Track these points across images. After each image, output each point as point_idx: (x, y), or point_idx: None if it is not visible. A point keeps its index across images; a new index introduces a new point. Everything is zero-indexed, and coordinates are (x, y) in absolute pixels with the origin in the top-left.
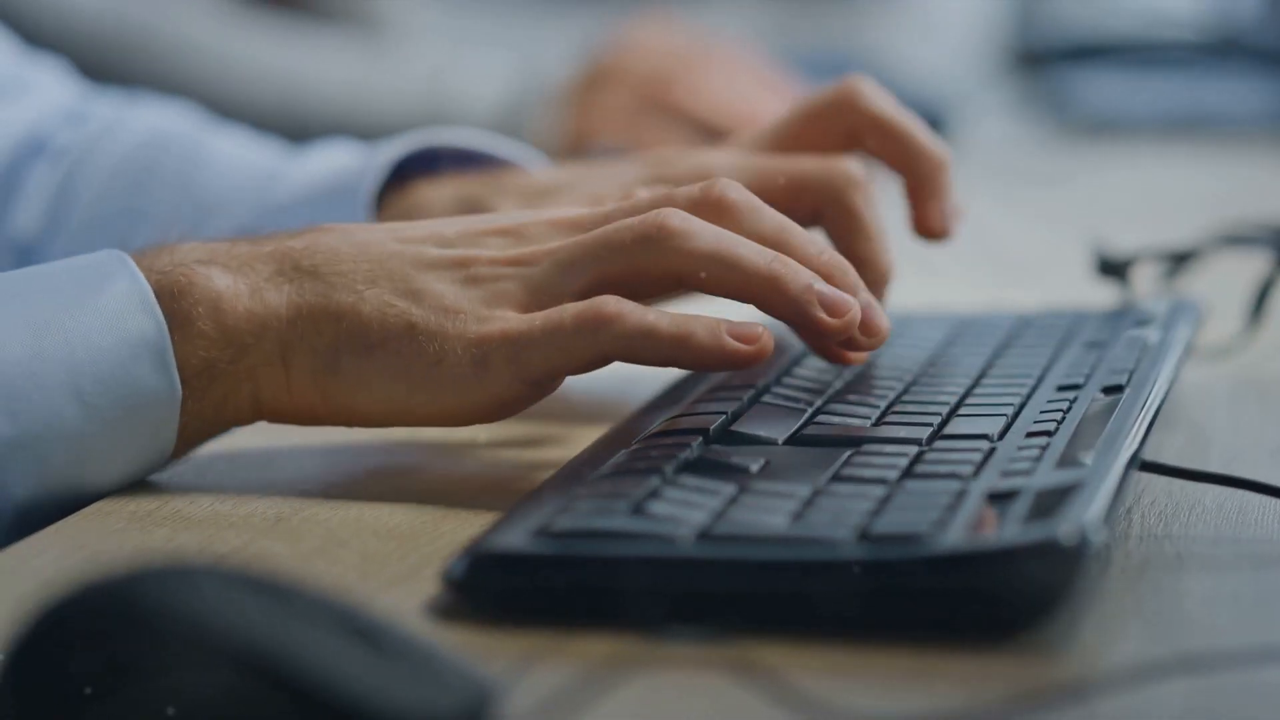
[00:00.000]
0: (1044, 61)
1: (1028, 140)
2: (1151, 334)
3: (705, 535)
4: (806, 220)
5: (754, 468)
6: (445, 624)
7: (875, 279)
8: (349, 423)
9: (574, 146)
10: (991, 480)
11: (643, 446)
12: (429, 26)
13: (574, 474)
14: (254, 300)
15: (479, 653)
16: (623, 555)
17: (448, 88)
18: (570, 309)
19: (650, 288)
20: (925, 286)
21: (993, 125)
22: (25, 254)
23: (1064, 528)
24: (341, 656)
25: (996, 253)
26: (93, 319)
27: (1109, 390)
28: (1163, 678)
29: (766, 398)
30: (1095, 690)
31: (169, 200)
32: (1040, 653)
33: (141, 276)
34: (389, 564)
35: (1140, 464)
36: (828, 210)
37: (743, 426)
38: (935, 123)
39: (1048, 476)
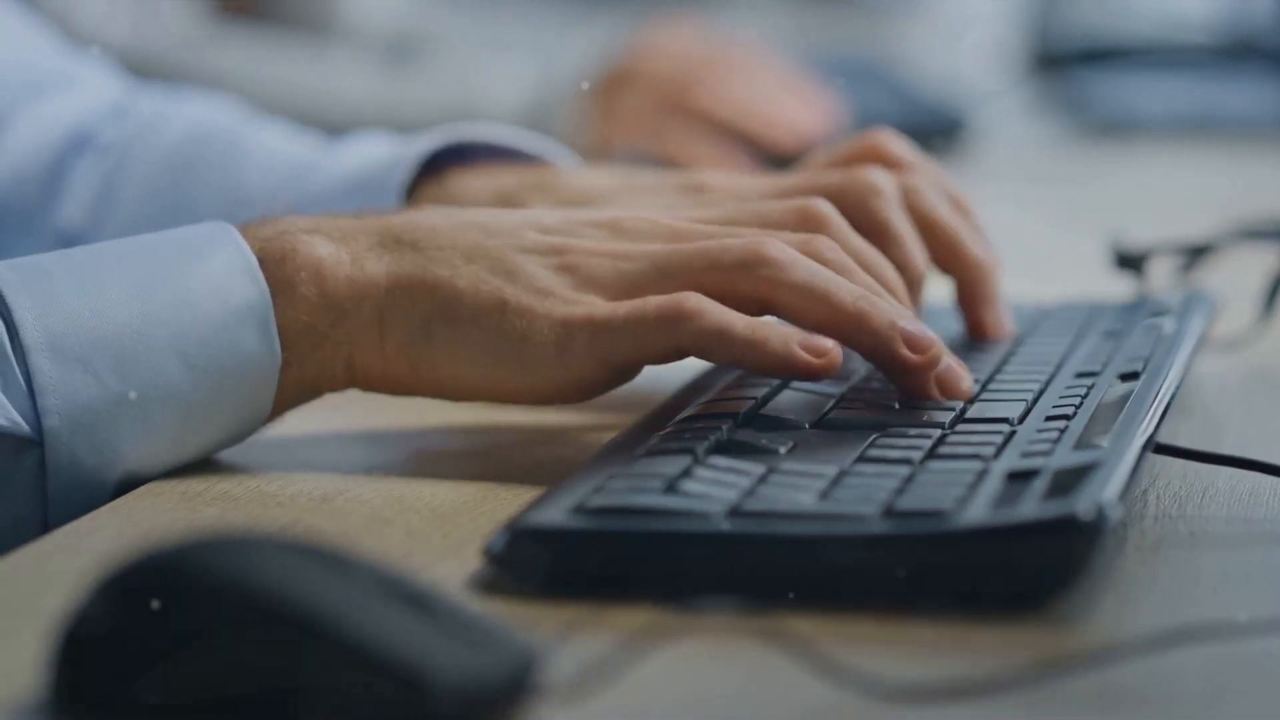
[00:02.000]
0: (1061, 64)
1: (1045, 141)
2: (1167, 324)
3: (736, 511)
4: None
5: (783, 449)
6: (487, 597)
7: (908, 282)
8: (436, 393)
9: (597, 149)
10: (1012, 461)
11: (676, 430)
12: (452, 32)
13: (610, 455)
14: (354, 268)
15: (519, 624)
16: (657, 530)
17: (471, 92)
18: (654, 301)
19: (738, 305)
20: (948, 281)
21: (1011, 127)
22: (73, 243)
23: (1082, 504)
24: (394, 621)
25: (1016, 249)
26: (199, 283)
27: (1125, 377)
28: (1176, 647)
29: (794, 383)
30: (1112, 659)
31: (211, 193)
32: (1059, 624)
33: (246, 245)
34: (432, 540)
35: (1155, 446)
36: (855, 220)
37: (772, 411)
38: (955, 124)
39: (1066, 457)
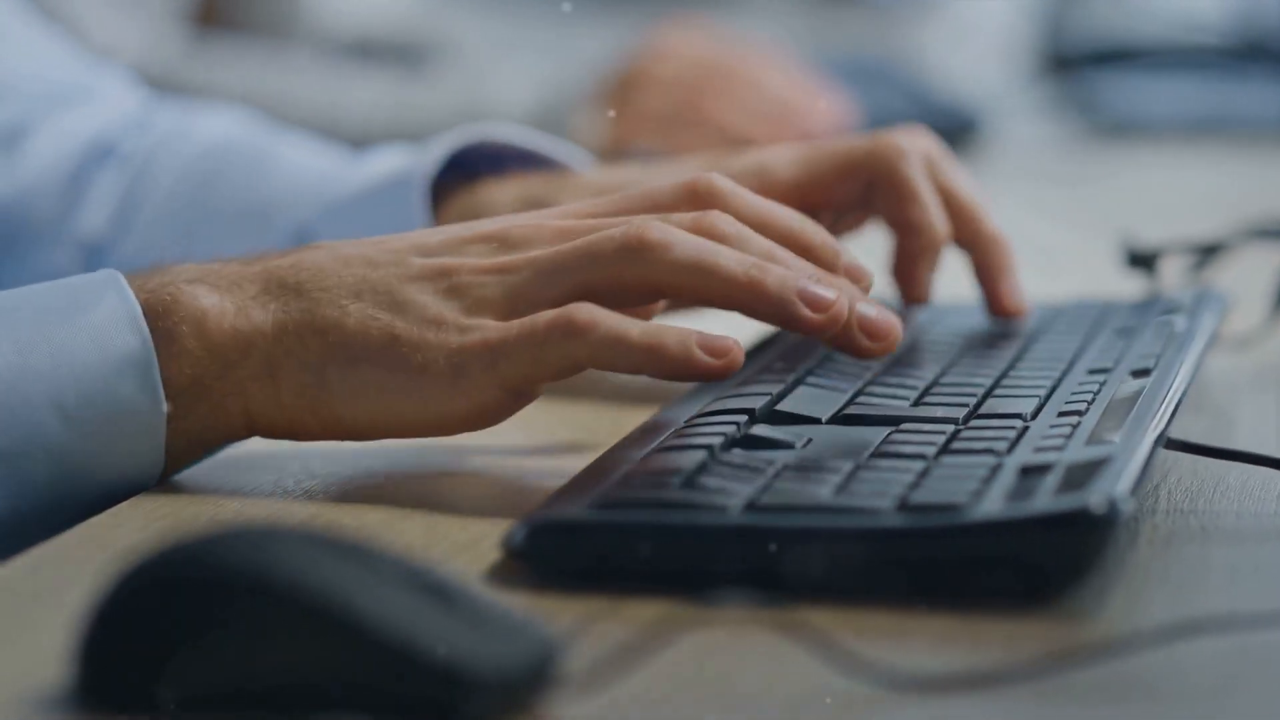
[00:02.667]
0: (1073, 64)
1: (1057, 141)
2: (1178, 322)
3: (753, 505)
4: (858, 197)
5: (799, 444)
6: (505, 590)
7: (928, 244)
8: (340, 435)
9: (610, 151)
10: (1025, 455)
11: (693, 425)
12: (463, 36)
13: (628, 450)
14: (239, 318)
15: (539, 616)
16: (674, 524)
17: (484, 96)
18: (543, 317)
19: (631, 297)
20: (961, 280)
21: (1023, 127)
22: (95, 253)
23: (1094, 498)
24: (417, 612)
25: (1028, 249)
26: (80, 335)
27: (1137, 374)
28: (1187, 639)
29: (810, 379)
30: (1123, 650)
31: (234, 203)
32: (1072, 616)
33: (131, 294)
34: (450, 534)
35: (1167, 442)
36: (878, 183)
37: (787, 406)
38: (967, 125)
39: (1078, 452)
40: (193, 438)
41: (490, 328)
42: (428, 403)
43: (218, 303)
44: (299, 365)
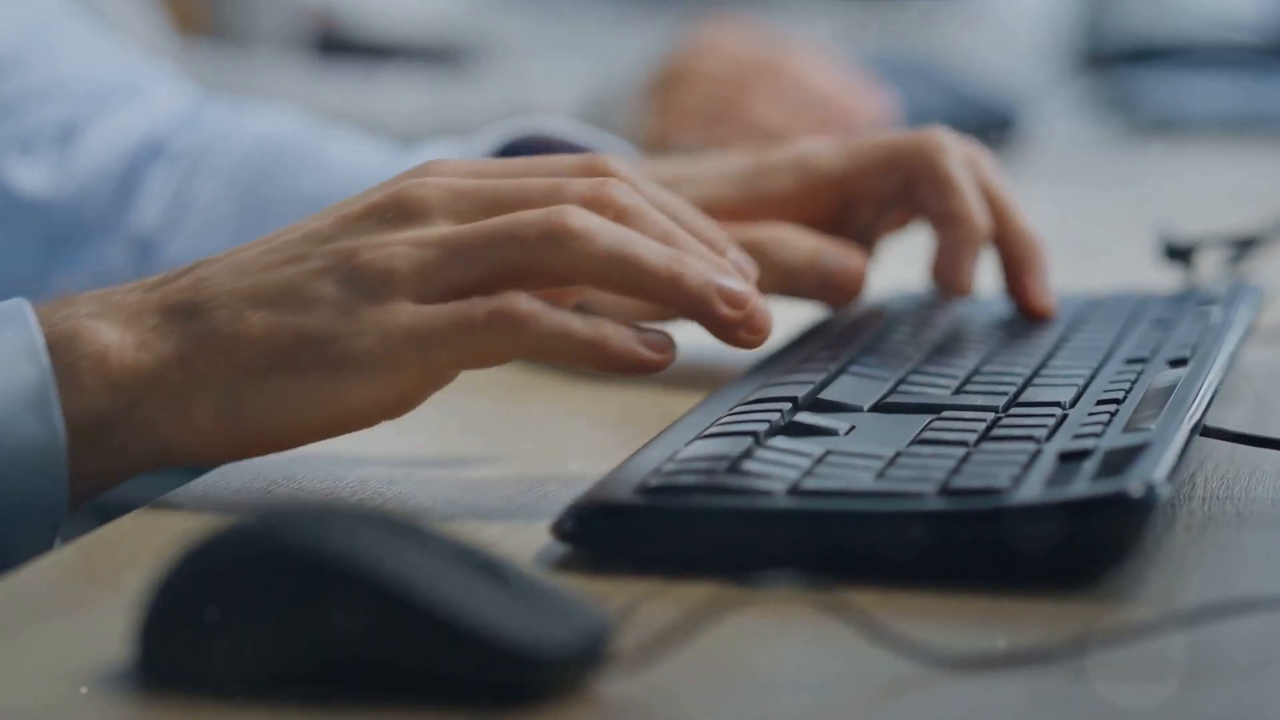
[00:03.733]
0: (1111, 62)
1: (1095, 139)
2: (1215, 313)
3: (797, 490)
4: (899, 192)
5: (842, 431)
6: (555, 573)
7: (969, 235)
8: (266, 449)
9: (653, 147)
10: (1064, 442)
11: (737, 412)
12: (505, 36)
13: (674, 436)
14: (142, 352)
15: (588, 597)
16: (720, 507)
17: (527, 96)
18: (481, 305)
19: (547, 282)
20: (996, 252)
21: (1060, 124)
22: (147, 247)
23: (1132, 483)
24: (474, 591)
25: (1065, 243)
26: None
27: (1174, 363)
28: (1223, 620)
29: (852, 368)
30: (1161, 630)
31: (285, 198)
32: (1110, 598)
33: (35, 326)
34: (499, 518)
35: (1203, 430)
36: (920, 177)
37: (830, 394)
38: (1005, 122)
39: (1117, 439)
40: (101, 472)
41: (410, 312)
42: (351, 397)
43: (118, 339)
44: (210, 390)
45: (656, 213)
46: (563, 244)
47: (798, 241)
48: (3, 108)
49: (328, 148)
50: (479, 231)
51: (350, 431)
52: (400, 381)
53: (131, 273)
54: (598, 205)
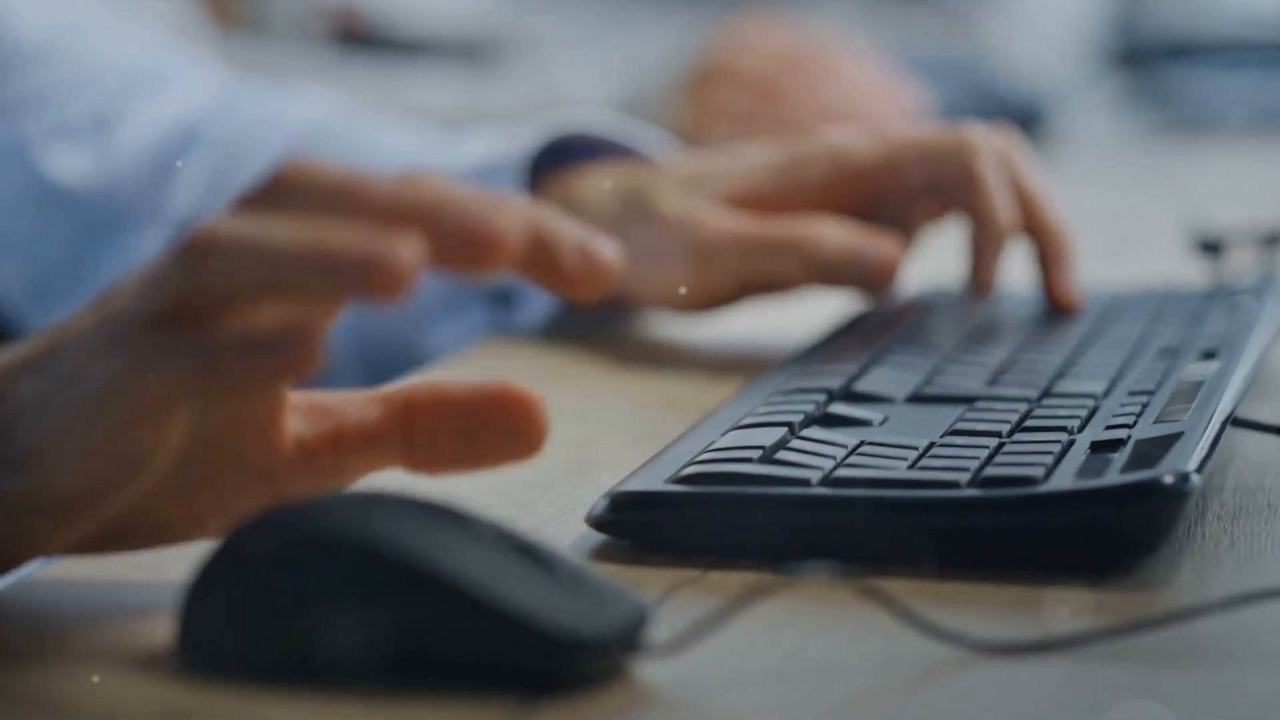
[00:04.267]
0: (1143, 59)
1: (1126, 135)
2: (1245, 307)
3: (831, 479)
4: (931, 185)
5: (875, 422)
6: (591, 561)
7: (991, 234)
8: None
9: (687, 143)
10: (1097, 432)
11: (772, 403)
12: (535, 33)
13: (710, 425)
14: None
15: (625, 584)
16: (755, 496)
17: (555, 92)
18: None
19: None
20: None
21: (1092, 121)
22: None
23: (1165, 472)
24: (513, 576)
25: (1097, 239)
26: None
27: (1205, 356)
28: (1254, 606)
29: (887, 360)
30: (1192, 617)
31: None
32: (1143, 587)
33: None
34: (537, 508)
35: (1234, 420)
36: (950, 174)
37: (864, 386)
38: (1037, 119)
39: (1149, 429)
40: None
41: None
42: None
43: None
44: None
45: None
46: (196, 265)
47: (833, 233)
48: (38, 97)
49: (369, 137)
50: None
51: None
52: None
53: None
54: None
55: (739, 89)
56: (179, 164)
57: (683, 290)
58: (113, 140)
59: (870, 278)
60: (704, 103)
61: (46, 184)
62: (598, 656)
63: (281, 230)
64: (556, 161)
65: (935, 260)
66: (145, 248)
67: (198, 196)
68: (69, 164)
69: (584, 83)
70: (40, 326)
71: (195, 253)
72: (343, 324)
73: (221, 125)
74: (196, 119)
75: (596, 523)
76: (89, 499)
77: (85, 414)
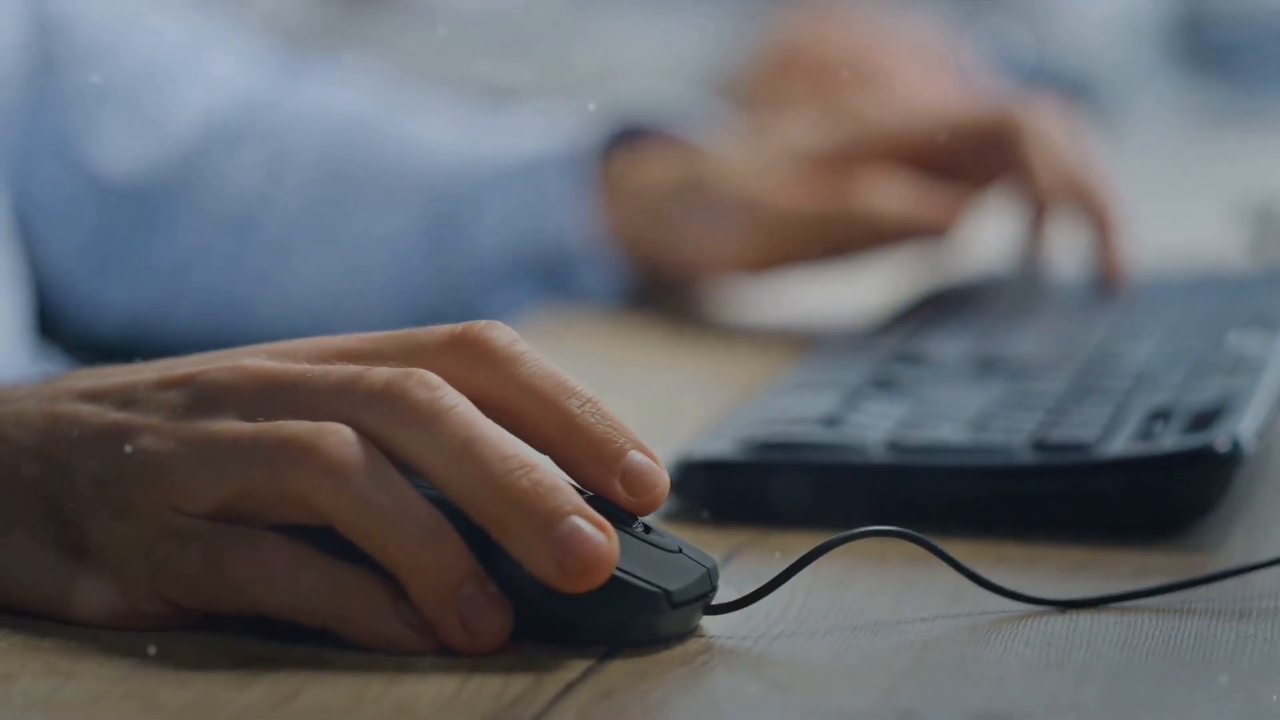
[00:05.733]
0: (1206, 43)
1: (1187, 114)
2: None
3: (891, 444)
4: (979, 160)
5: (934, 388)
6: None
7: (1037, 205)
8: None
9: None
10: (1151, 399)
11: (832, 370)
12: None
13: (772, 393)
14: None
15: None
16: (817, 462)
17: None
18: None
19: (296, 512)
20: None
21: (1154, 103)
22: (241, 228)
23: (1219, 437)
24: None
25: (1152, 217)
26: None
27: (1259, 325)
28: None
29: (941, 329)
30: (1244, 575)
31: (368, 194)
32: (1195, 549)
33: None
34: None
35: None
36: (999, 152)
37: (920, 352)
38: (1097, 100)
39: (1203, 396)
40: None
41: (153, 522)
42: (68, 583)
43: None
44: None
45: (460, 417)
46: (303, 474)
47: (888, 198)
48: (95, 91)
49: (407, 134)
50: (230, 438)
51: (75, 620)
52: (129, 591)
53: (230, 251)
54: (388, 400)
55: (809, 86)
56: (228, 157)
57: (746, 262)
58: (162, 130)
59: (926, 235)
60: (773, 97)
61: (97, 171)
62: (678, 611)
63: (397, 506)
64: (613, 145)
65: (985, 240)
66: (203, 241)
67: (250, 192)
68: (119, 153)
69: (643, 70)
70: (85, 305)
71: (301, 458)
72: (410, 286)
73: (269, 117)
74: (244, 109)
75: None
76: None
77: None
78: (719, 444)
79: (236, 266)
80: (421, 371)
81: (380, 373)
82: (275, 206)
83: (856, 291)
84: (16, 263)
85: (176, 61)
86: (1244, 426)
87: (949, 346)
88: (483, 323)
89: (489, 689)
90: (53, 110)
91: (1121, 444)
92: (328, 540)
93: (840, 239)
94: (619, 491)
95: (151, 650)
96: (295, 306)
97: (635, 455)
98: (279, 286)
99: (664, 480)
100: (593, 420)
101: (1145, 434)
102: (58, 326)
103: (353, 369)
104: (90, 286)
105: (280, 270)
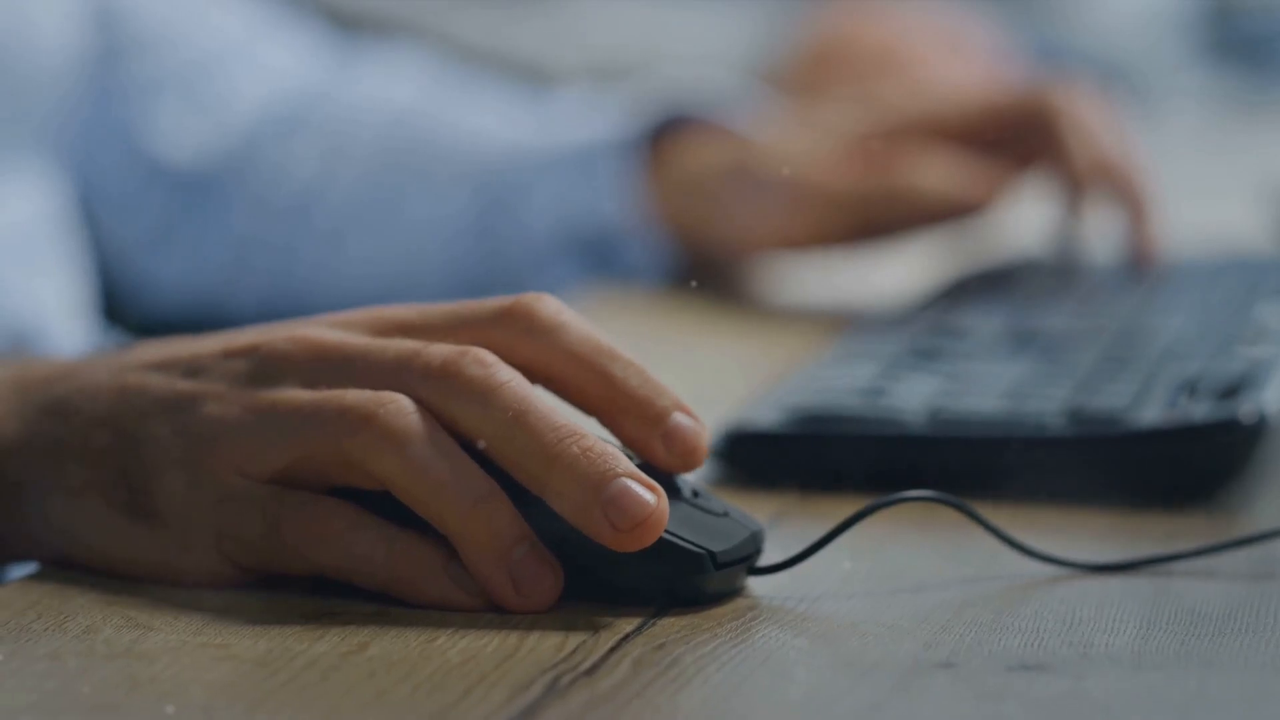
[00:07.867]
0: (1238, 33)
1: (1218, 101)
2: None
3: (931, 414)
4: (1013, 141)
5: (970, 360)
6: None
7: (1070, 194)
8: (40, 560)
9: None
10: (1179, 370)
11: (872, 344)
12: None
13: (815, 366)
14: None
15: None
16: (858, 433)
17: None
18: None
19: (358, 477)
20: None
21: (1185, 92)
22: (298, 217)
23: (1245, 408)
24: None
25: (1181, 200)
26: None
27: None
28: None
29: (979, 301)
30: (1271, 539)
31: (422, 185)
32: (1224, 517)
33: None
34: None
35: None
36: (1032, 133)
37: (959, 324)
38: (1129, 87)
39: (1230, 367)
40: None
41: (219, 485)
42: (142, 547)
43: None
44: (19, 492)
45: (515, 389)
46: (362, 440)
47: (928, 178)
48: (152, 82)
49: (459, 125)
50: (292, 406)
51: (145, 577)
52: (195, 552)
53: (286, 239)
54: (444, 378)
55: (849, 82)
56: (284, 147)
57: (790, 240)
58: (219, 119)
59: (963, 212)
60: (814, 91)
61: (157, 160)
62: (723, 572)
63: (455, 475)
64: (659, 132)
65: (1021, 222)
66: (256, 231)
67: (305, 181)
68: (178, 142)
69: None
70: (146, 288)
71: (363, 429)
72: (461, 270)
73: (323, 107)
74: (299, 99)
75: (712, 455)
76: None
77: None
78: (765, 414)
79: (292, 254)
80: (476, 349)
81: (438, 349)
82: (330, 195)
83: (895, 273)
84: (81, 247)
85: (233, 52)
86: (1269, 397)
87: (986, 321)
88: (531, 295)
89: (549, 641)
90: (114, 100)
91: (1151, 415)
92: (385, 505)
93: (883, 217)
94: (660, 451)
95: (224, 605)
96: (350, 292)
97: (677, 415)
98: (334, 273)
99: (705, 439)
100: (635, 383)
101: (1174, 405)
102: (121, 308)
103: (411, 345)
104: (151, 271)
105: (335, 257)
